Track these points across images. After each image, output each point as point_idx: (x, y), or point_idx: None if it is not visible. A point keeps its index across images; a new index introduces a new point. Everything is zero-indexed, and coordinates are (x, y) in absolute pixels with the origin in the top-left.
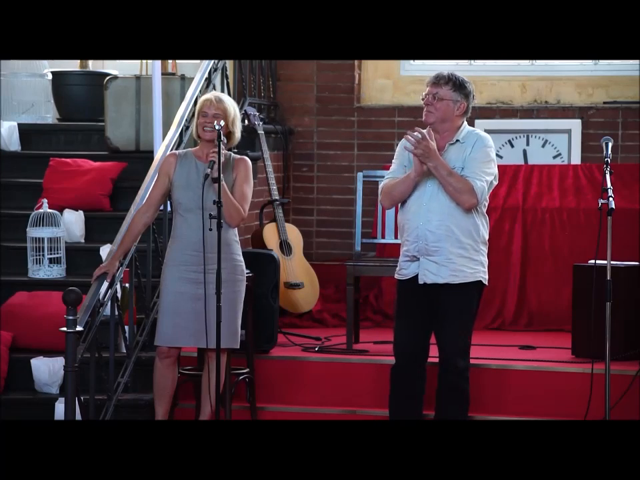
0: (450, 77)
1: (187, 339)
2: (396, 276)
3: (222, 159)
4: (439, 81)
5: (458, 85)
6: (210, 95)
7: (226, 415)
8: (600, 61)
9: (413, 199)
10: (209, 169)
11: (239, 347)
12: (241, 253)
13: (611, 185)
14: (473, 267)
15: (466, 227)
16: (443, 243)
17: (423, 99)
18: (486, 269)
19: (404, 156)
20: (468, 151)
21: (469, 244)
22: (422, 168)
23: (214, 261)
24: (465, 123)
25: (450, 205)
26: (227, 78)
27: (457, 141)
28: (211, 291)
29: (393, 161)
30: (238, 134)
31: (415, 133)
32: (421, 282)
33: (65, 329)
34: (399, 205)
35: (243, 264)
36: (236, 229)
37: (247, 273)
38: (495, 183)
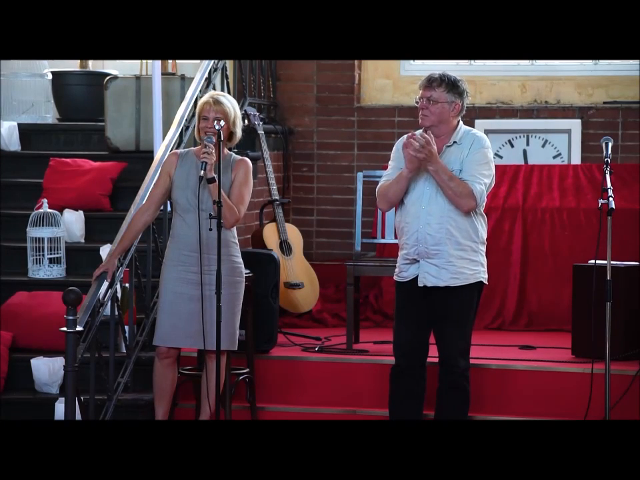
0: (442, 78)
1: (185, 339)
2: (395, 278)
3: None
4: (432, 83)
5: (451, 86)
6: (208, 97)
7: (226, 415)
8: (600, 61)
9: (411, 202)
10: (202, 171)
11: (236, 348)
12: (239, 254)
13: (611, 184)
14: (473, 267)
15: (465, 228)
16: (443, 246)
17: (417, 103)
18: (485, 269)
19: (400, 158)
20: (465, 153)
21: (468, 245)
22: (414, 165)
23: (212, 262)
24: (461, 122)
25: (449, 207)
26: (227, 78)
27: (454, 142)
28: (208, 291)
29: (389, 163)
30: (239, 133)
31: (420, 138)
32: (420, 284)
33: (65, 329)
34: (397, 207)
35: (242, 265)
36: (234, 230)
37: (246, 273)
38: (493, 183)
